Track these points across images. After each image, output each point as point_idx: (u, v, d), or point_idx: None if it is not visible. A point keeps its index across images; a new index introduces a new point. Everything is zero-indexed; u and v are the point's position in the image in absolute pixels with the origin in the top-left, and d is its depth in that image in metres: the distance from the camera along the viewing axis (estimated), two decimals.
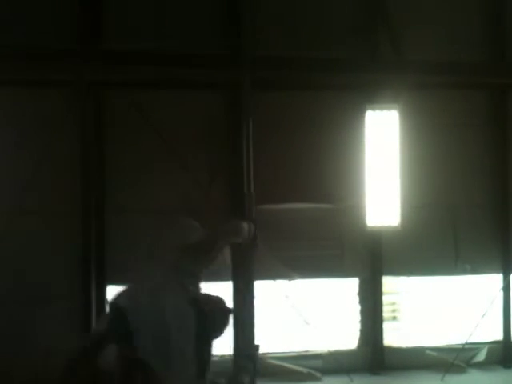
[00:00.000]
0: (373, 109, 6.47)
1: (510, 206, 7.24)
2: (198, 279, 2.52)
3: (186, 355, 2.35)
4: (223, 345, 6.77)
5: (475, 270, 7.21)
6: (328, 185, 6.93)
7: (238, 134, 6.36)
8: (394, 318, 7.29)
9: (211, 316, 2.48)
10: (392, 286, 7.26)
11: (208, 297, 2.56)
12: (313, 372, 6.80)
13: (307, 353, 6.98)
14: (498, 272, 7.26)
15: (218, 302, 2.58)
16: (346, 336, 7.14)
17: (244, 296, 4.96)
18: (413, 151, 6.76)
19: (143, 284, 2.38)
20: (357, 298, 7.20)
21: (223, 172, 6.77)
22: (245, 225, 3.03)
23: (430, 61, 6.59)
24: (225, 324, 2.57)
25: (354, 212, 6.84)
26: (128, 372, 2.42)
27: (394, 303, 7.29)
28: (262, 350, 6.60)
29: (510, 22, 7.23)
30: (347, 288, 7.18)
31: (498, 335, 7.30)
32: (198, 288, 2.49)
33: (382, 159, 6.51)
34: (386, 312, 7.21)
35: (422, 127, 6.93)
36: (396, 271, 7.14)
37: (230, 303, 2.77)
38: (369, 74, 6.54)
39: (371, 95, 6.73)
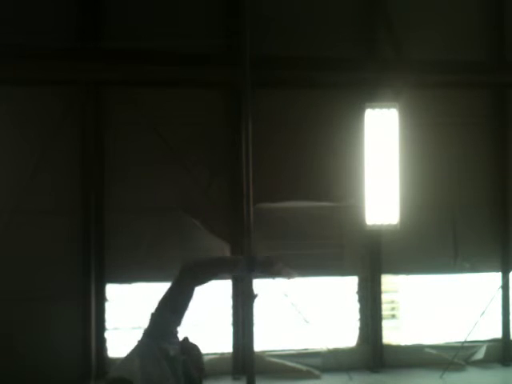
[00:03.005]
0: (372, 107, 6.47)
1: (509, 204, 7.25)
2: (175, 335, 2.74)
3: None
4: (222, 343, 6.85)
5: (474, 269, 7.23)
6: (327, 183, 6.95)
7: (238, 133, 6.39)
8: (393, 316, 7.31)
9: (188, 365, 2.67)
10: (391, 284, 7.27)
11: (183, 345, 2.76)
12: (312, 370, 6.82)
13: (306, 351, 7.00)
14: (496, 270, 7.27)
15: (191, 348, 2.72)
16: (345, 334, 7.16)
17: (243, 294, 4.97)
18: (412, 150, 6.77)
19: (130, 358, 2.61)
20: (356, 297, 7.21)
21: (223, 172, 6.78)
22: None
23: (429, 60, 6.59)
24: (201, 368, 2.74)
25: (354, 211, 6.86)
26: None
27: (393, 301, 7.31)
28: (261, 348, 6.68)
29: (510, 21, 7.23)
30: (347, 286, 7.20)
31: (497, 333, 7.32)
32: (175, 343, 2.70)
33: (382, 158, 6.50)
34: (386, 310, 7.23)
35: (422, 126, 6.94)
36: (395, 270, 7.16)
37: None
38: (368, 73, 6.53)
39: (371, 94, 6.72)
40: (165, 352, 2.59)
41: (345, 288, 7.20)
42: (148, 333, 2.65)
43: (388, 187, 6.47)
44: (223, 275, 3.01)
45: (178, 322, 2.71)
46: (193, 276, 2.75)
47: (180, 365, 2.65)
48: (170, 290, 2.73)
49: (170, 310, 2.67)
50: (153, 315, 2.68)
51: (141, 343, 2.64)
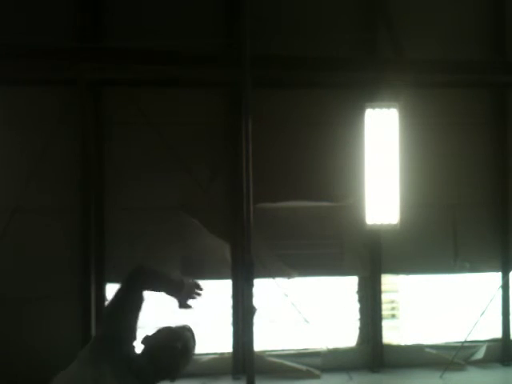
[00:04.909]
0: (372, 107, 6.46)
1: (509, 204, 7.25)
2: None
3: None
4: (222, 343, 6.85)
5: (474, 268, 7.23)
6: (328, 183, 6.95)
7: (238, 133, 6.39)
8: (393, 316, 7.31)
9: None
10: (391, 284, 7.27)
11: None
12: (312, 370, 6.81)
13: (306, 350, 6.99)
14: (496, 270, 7.27)
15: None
16: (345, 334, 7.16)
17: (243, 294, 4.97)
18: (412, 150, 6.76)
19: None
20: (356, 296, 7.21)
21: (223, 171, 6.78)
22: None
23: (429, 60, 6.59)
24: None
25: (354, 210, 6.86)
26: None
27: (393, 301, 7.31)
28: (261, 348, 6.68)
29: (510, 21, 7.23)
30: (346, 286, 7.20)
31: (497, 333, 7.32)
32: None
33: (382, 158, 6.50)
34: (386, 310, 7.23)
35: (422, 126, 6.94)
36: (395, 269, 7.16)
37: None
38: (368, 73, 6.53)
39: (371, 94, 6.72)
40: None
41: (345, 288, 7.20)
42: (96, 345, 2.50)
43: (388, 187, 6.47)
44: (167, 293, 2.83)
45: (131, 336, 2.58)
46: (143, 278, 2.66)
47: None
48: (117, 294, 2.62)
49: (118, 319, 2.55)
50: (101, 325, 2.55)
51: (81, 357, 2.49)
